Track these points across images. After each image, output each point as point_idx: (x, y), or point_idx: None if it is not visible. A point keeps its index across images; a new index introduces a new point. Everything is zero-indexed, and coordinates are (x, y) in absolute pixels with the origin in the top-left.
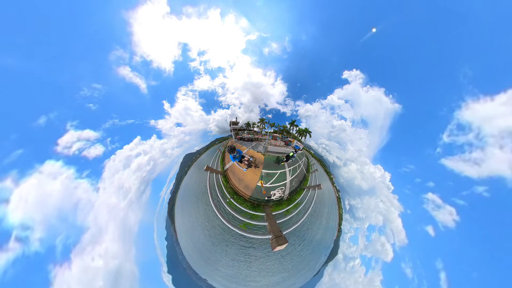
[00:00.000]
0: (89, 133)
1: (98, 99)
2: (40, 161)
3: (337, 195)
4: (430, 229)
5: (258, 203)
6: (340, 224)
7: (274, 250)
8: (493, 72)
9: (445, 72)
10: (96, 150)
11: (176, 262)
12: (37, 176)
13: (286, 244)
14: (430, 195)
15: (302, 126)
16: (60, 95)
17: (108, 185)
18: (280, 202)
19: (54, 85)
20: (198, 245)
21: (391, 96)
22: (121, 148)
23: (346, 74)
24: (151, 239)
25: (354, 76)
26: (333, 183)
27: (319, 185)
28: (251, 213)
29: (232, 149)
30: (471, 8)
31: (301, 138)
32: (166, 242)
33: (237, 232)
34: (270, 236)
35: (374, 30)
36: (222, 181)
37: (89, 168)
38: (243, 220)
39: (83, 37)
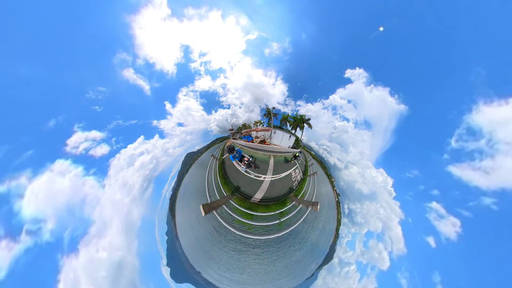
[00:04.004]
0: (95, 134)
1: (103, 101)
2: (51, 160)
3: (336, 199)
4: (430, 240)
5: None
6: (337, 230)
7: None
8: (509, 71)
9: (455, 71)
10: (102, 150)
11: (175, 255)
12: (48, 174)
13: (203, 213)
14: (433, 204)
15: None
16: (67, 99)
17: (113, 182)
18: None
19: (62, 90)
20: (196, 240)
21: (396, 96)
22: (125, 147)
23: (348, 73)
24: (152, 234)
25: (357, 75)
26: (333, 187)
27: (316, 204)
28: (247, 212)
29: (231, 149)
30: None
31: (294, 131)
32: (166, 237)
33: (233, 231)
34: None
35: (381, 29)
36: (220, 180)
37: (95, 166)
38: (239, 219)
39: (87, 42)
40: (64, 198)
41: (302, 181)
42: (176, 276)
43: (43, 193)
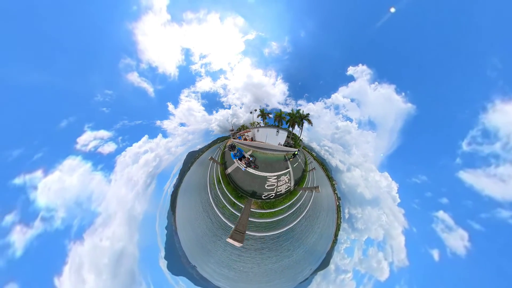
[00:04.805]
0: (103, 133)
1: (110, 103)
2: (63, 157)
3: (337, 203)
4: (435, 253)
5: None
6: (336, 235)
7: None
8: None
9: (468, 65)
10: (109, 148)
11: (173, 249)
12: (60, 169)
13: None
14: (441, 214)
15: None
16: (77, 102)
17: (118, 177)
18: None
19: (72, 94)
20: (194, 236)
21: (403, 94)
22: (130, 145)
23: (351, 70)
24: (153, 228)
25: (360, 72)
26: (334, 190)
27: (239, 237)
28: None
29: (232, 147)
30: None
31: (292, 129)
32: (166, 231)
33: (231, 227)
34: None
35: (392, 10)
36: (220, 178)
37: (103, 163)
38: (237, 215)
39: (94, 50)
40: (74, 190)
41: (290, 193)
42: (173, 268)
43: (56, 185)
